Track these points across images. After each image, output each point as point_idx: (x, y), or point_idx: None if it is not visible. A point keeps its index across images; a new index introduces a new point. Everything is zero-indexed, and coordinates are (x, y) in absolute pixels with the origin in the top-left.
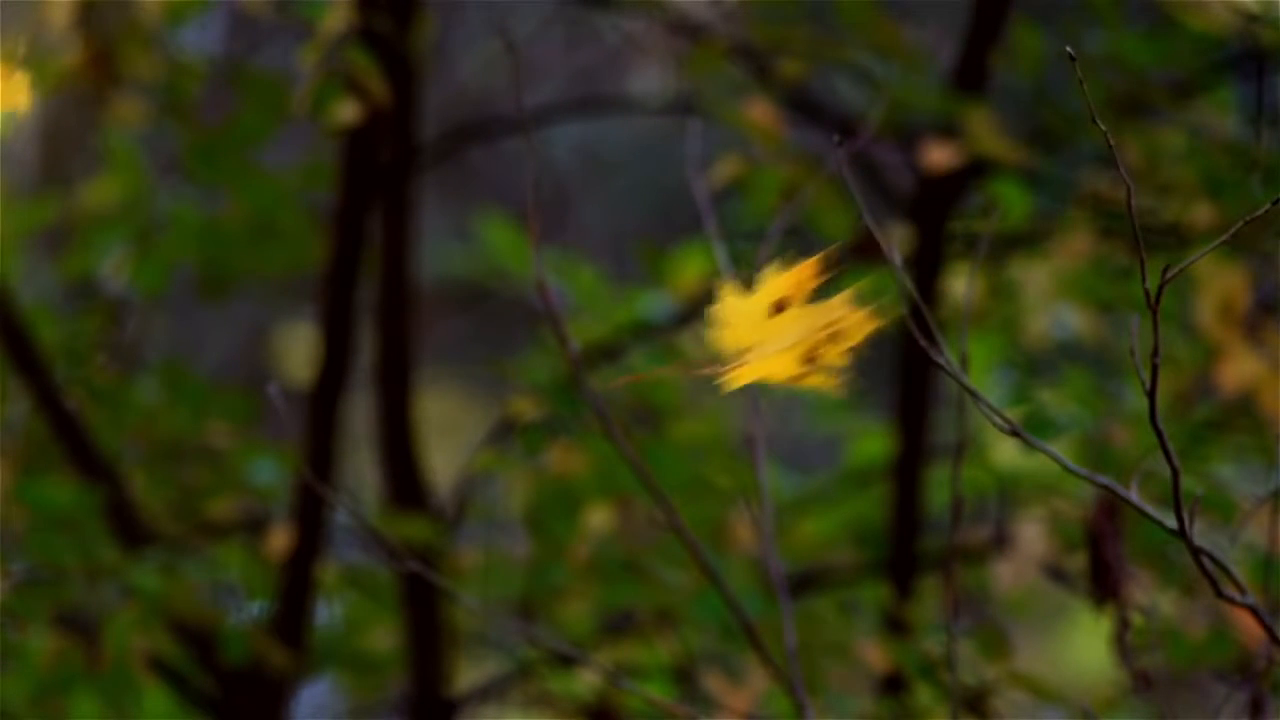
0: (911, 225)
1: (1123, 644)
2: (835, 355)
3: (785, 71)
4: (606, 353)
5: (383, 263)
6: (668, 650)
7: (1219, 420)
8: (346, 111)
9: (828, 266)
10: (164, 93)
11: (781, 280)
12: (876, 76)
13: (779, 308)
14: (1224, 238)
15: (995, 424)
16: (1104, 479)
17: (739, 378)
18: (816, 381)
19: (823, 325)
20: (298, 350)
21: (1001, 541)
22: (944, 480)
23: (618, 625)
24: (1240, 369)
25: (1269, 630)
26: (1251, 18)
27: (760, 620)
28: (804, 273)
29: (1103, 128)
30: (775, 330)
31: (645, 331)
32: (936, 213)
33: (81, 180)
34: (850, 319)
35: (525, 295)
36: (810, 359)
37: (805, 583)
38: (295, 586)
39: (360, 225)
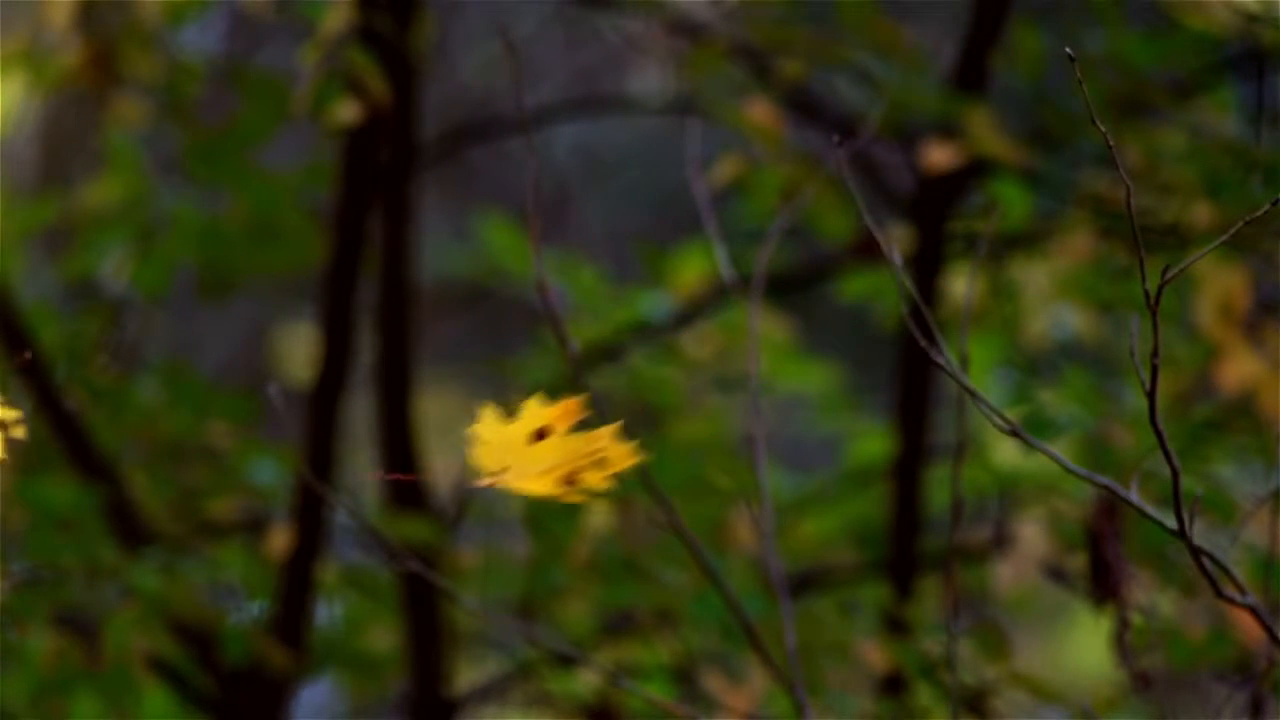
0: (911, 225)
1: (1123, 644)
2: (597, 480)
3: (785, 71)
4: (606, 353)
5: (383, 263)
6: (668, 650)
7: (1219, 420)
8: (346, 111)
9: (587, 406)
10: (164, 93)
11: (541, 413)
12: (876, 76)
13: (539, 435)
14: (1224, 238)
15: (995, 424)
16: (1104, 479)
17: (498, 487)
18: (577, 499)
19: (584, 453)
20: (298, 350)
21: (1001, 541)
22: (944, 480)
23: (618, 625)
24: (1240, 369)
25: (1269, 630)
26: (1251, 18)
27: (760, 620)
28: (565, 409)
29: (1102, 128)
30: (535, 454)
31: (645, 331)
32: (936, 213)
33: (81, 180)
34: (612, 450)
35: (525, 295)
36: (570, 481)
37: (805, 583)
38: (295, 586)
39: (360, 225)
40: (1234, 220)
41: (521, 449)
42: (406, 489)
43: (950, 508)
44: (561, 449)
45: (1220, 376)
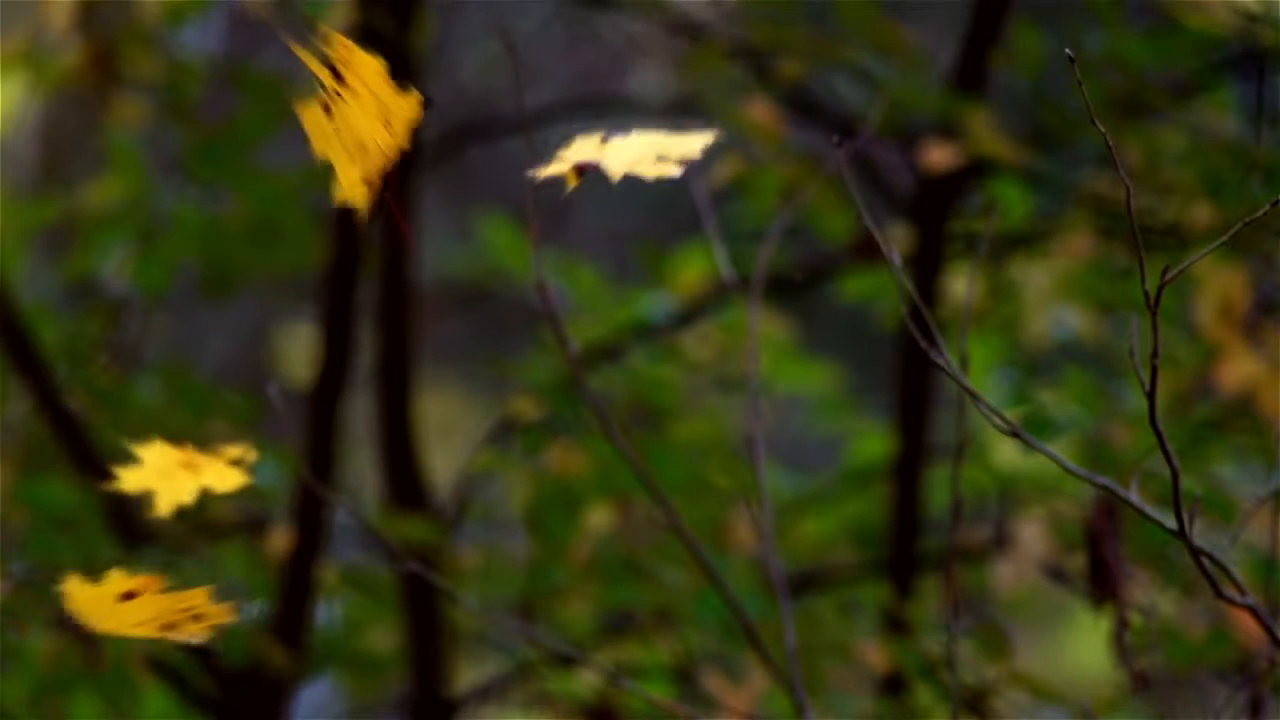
0: (911, 225)
1: (1123, 644)
2: (198, 630)
3: (785, 71)
4: (606, 353)
5: (383, 263)
6: (668, 650)
7: (1219, 420)
8: None
9: (170, 575)
10: (164, 93)
11: (126, 581)
12: (876, 76)
13: (128, 596)
14: (1224, 238)
15: (995, 424)
16: (1104, 479)
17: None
18: (180, 641)
19: (179, 609)
20: (298, 350)
21: (1001, 541)
22: (944, 480)
23: (618, 625)
24: (1240, 369)
25: (1269, 630)
26: (1251, 18)
27: (760, 620)
28: (147, 581)
29: (1102, 128)
30: (127, 610)
31: (645, 331)
32: (936, 213)
33: (82, 180)
34: (208, 608)
35: (525, 295)
36: (169, 629)
37: (805, 583)
38: (295, 586)
39: (360, 225)
40: (1234, 220)
41: (114, 604)
42: (406, 489)
43: (950, 508)
44: (153, 606)
45: (1220, 376)
